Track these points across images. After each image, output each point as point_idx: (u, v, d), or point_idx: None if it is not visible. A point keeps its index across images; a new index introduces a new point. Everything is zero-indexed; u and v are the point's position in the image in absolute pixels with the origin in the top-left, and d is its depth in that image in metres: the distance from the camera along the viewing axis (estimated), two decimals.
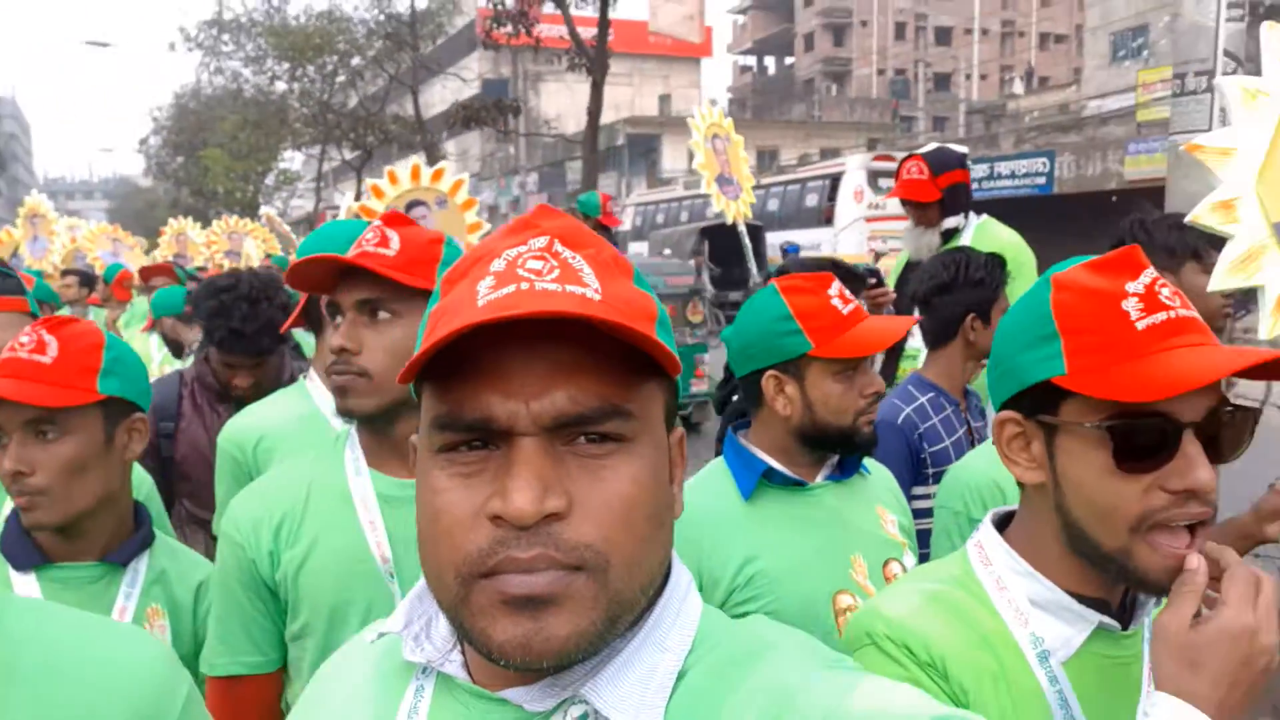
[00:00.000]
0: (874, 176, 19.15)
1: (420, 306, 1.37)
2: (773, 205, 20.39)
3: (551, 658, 0.63)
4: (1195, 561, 0.96)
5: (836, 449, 1.66)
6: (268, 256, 10.37)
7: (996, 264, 2.50)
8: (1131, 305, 0.99)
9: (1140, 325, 0.98)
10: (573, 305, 0.62)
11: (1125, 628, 1.06)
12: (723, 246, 17.76)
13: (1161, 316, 0.98)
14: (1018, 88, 40.17)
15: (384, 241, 1.38)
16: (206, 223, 14.74)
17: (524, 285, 0.65)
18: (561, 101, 37.32)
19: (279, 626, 1.44)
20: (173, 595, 1.56)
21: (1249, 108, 1.90)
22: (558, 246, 0.68)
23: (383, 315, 1.37)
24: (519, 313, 0.60)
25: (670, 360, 0.66)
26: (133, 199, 60.25)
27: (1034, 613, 1.06)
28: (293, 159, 36.36)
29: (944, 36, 55.35)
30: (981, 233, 3.67)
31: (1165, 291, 1.00)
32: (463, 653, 0.74)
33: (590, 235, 0.71)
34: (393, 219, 1.44)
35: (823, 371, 1.60)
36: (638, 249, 20.29)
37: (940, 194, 3.68)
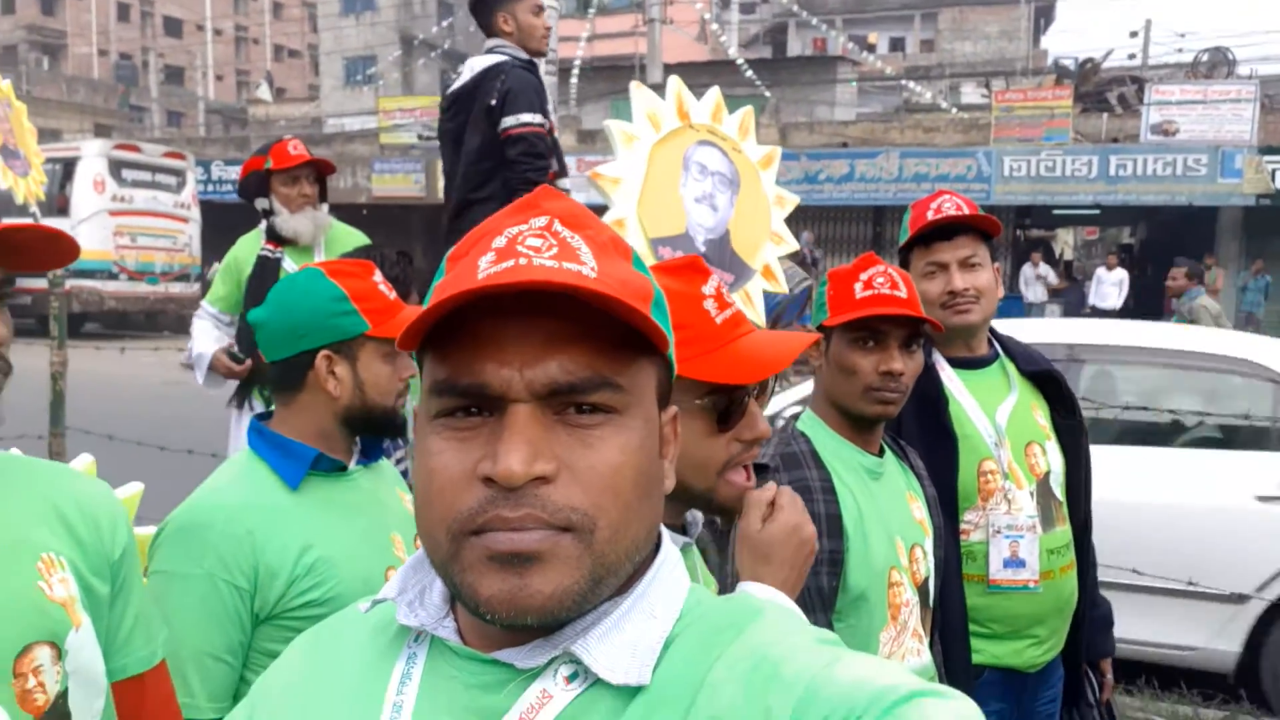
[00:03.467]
0: (116, 166, 17.39)
1: None
2: None
3: (535, 613, 0.66)
4: (761, 487, 1.31)
5: (376, 431, 1.69)
6: None
7: (407, 259, 2.71)
8: (710, 305, 1.26)
9: (718, 320, 1.26)
10: (568, 280, 0.65)
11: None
12: None
13: (729, 311, 1.28)
14: (264, 93, 40.20)
15: None
16: None
17: (522, 260, 0.68)
18: None
19: None
20: None
21: (628, 147, 2.45)
22: (557, 226, 0.71)
23: None
24: (514, 280, 0.64)
25: (660, 337, 0.70)
26: None
27: None
28: None
29: (175, 28, 52.63)
30: (344, 235, 3.87)
31: (724, 290, 1.31)
32: (455, 619, 0.75)
33: (590, 217, 0.75)
34: None
35: (376, 352, 1.62)
36: None
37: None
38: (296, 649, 0.85)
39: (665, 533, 0.80)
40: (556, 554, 0.66)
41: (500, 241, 0.70)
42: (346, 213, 5.12)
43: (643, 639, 0.71)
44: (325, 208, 3.77)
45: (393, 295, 1.66)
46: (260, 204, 3.71)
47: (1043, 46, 41.09)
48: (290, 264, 3.64)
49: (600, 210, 2.39)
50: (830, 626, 1.66)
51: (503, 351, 0.67)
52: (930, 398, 2.15)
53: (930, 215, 2.17)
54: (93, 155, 17.35)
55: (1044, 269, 18.48)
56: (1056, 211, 20.64)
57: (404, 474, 2.39)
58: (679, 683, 0.69)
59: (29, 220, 4.69)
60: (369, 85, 33.26)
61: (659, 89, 2.62)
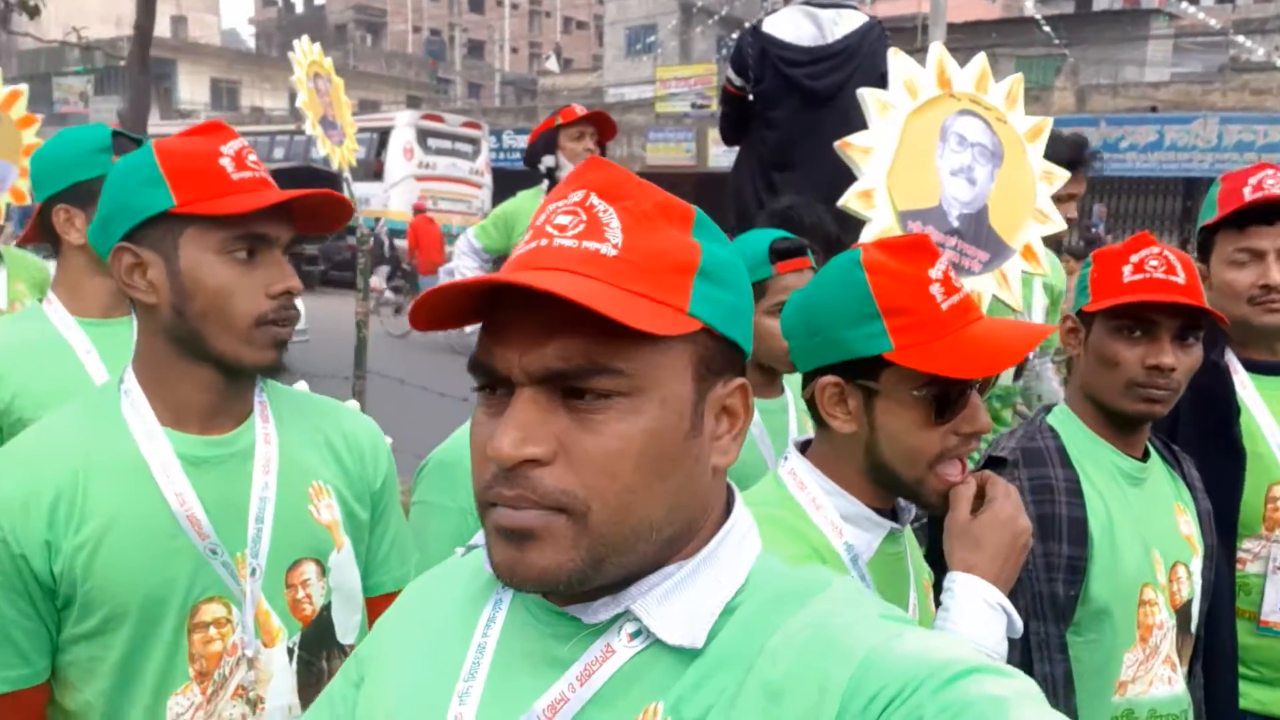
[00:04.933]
0: (423, 135, 19.08)
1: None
2: (316, 153, 19.36)
3: (532, 584, 0.71)
4: (969, 479, 1.25)
5: None
6: None
7: None
8: (936, 290, 1.19)
9: (944, 306, 1.19)
10: (581, 264, 0.70)
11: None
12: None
13: (956, 298, 1.21)
14: (552, 65, 42.49)
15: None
16: None
17: (544, 241, 0.72)
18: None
19: (50, 630, 1.23)
20: None
21: (882, 116, 2.35)
22: (592, 199, 0.73)
23: None
24: (494, 280, 0.68)
25: (670, 322, 0.69)
26: None
27: (844, 525, 1.26)
28: None
29: (477, 4, 56.51)
30: None
31: (952, 273, 1.24)
32: None
33: (633, 186, 0.74)
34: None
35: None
36: None
37: None
38: (408, 592, 0.93)
39: (739, 498, 0.81)
40: (550, 532, 0.69)
41: (540, 219, 0.74)
42: None
43: (703, 602, 0.73)
44: None
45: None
46: (545, 162, 3.95)
47: None
48: None
49: None
50: (1062, 638, 1.54)
51: (506, 337, 0.70)
52: (1217, 403, 1.91)
53: (1248, 194, 1.91)
54: (404, 125, 19.14)
55: None
56: None
57: None
58: (739, 647, 0.71)
59: (344, 184, 5.26)
60: (648, 54, 34.09)
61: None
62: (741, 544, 0.78)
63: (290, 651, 1.31)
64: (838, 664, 0.65)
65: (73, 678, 1.24)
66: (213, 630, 1.27)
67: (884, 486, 1.26)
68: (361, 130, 20.04)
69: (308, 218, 1.33)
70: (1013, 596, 1.55)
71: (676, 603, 0.73)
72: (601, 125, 3.86)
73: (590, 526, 0.69)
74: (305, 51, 4.85)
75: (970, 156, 2.41)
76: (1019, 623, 1.18)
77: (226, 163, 1.26)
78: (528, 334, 0.69)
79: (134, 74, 9.53)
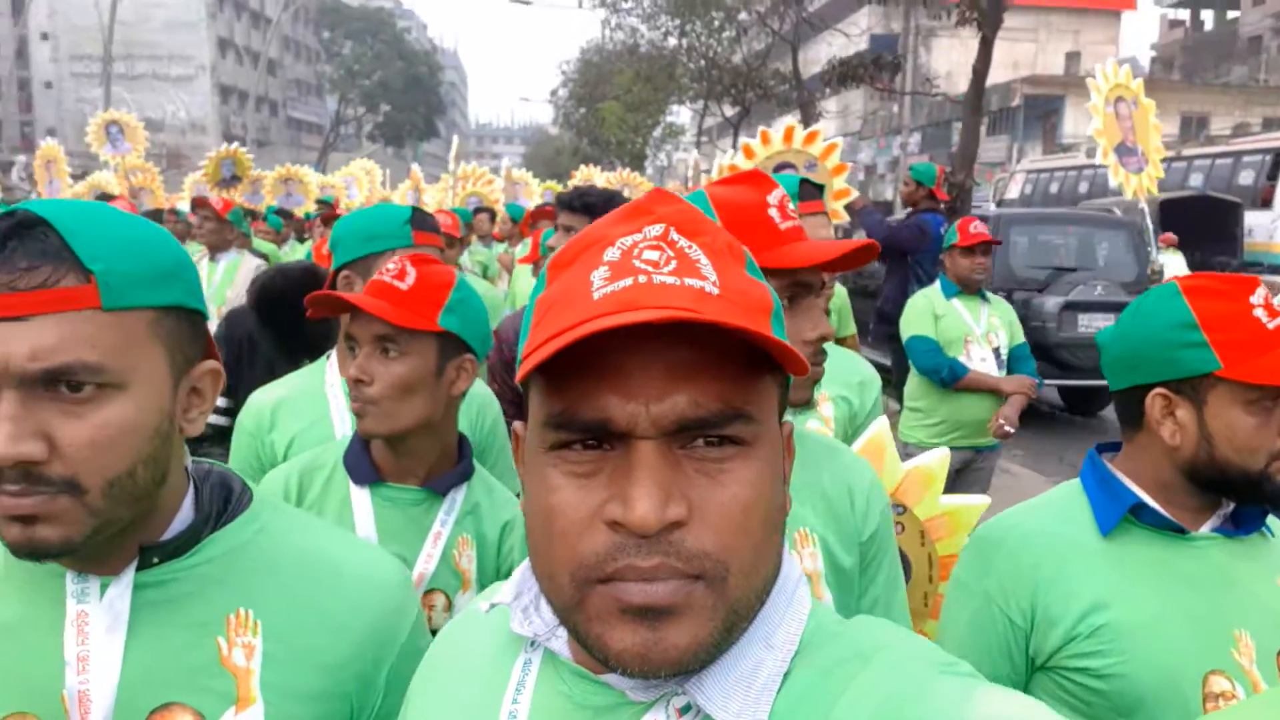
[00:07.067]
0: None
1: (427, 343, 1.55)
2: (1195, 180, 17.52)
3: (669, 667, 0.62)
4: None
5: (1236, 496, 1.33)
6: None
7: None
8: None
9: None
10: (693, 302, 0.61)
11: None
12: (1188, 226, 13.50)
13: None
14: None
15: (400, 275, 1.55)
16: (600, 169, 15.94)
17: (641, 278, 0.62)
18: (954, 58, 35.18)
19: None
20: (482, 529, 1.62)
21: None
22: (674, 235, 0.65)
23: (392, 353, 1.53)
24: (645, 318, 0.58)
25: (795, 362, 0.62)
26: (543, 146, 66.55)
27: None
28: (679, 113, 37.80)
29: None
30: None
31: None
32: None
33: (705, 221, 0.67)
34: (417, 259, 1.59)
35: (1232, 398, 1.28)
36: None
37: None
38: (436, 643, 0.87)
39: (785, 548, 0.71)
40: (691, 604, 0.61)
41: (613, 254, 0.64)
42: None
43: (759, 673, 0.66)
44: None
45: (1275, 323, 1.27)
46: None
47: None
48: None
49: None
50: None
51: (626, 384, 0.61)
52: None
53: None
54: None
55: None
56: None
57: None
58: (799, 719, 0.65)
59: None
60: None
61: None
62: (793, 601, 0.70)
63: None
64: None
65: None
66: None
67: None
68: (1251, 152, 17.79)
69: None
70: None
71: (732, 675, 0.65)
72: None
73: (727, 592, 0.62)
74: (1107, 76, 4.56)
75: None
76: None
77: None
78: (656, 378, 0.61)
79: (965, 114, 10.10)
